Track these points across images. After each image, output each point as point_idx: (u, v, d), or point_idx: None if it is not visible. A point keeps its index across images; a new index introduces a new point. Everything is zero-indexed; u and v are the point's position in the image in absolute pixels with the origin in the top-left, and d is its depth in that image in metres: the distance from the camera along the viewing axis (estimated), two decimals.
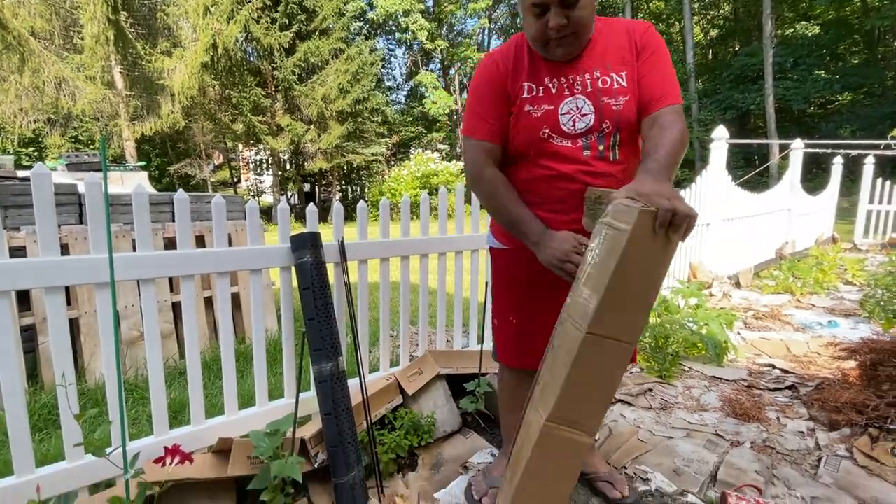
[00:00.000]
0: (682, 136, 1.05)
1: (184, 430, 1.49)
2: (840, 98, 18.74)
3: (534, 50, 1.17)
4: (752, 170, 6.67)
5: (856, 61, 18.91)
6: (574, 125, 1.15)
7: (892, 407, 1.78)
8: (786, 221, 5.83)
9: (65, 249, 2.23)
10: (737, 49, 22.17)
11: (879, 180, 7.04)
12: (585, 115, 1.14)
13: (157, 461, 1.18)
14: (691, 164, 17.88)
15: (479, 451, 1.73)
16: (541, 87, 1.16)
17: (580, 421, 0.94)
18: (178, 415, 1.94)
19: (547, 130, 1.16)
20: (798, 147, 6.06)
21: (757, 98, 17.90)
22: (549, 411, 0.94)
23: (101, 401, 2.03)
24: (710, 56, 24.34)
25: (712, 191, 4.09)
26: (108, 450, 1.12)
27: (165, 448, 1.18)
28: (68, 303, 2.35)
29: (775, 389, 2.25)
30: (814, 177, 14.28)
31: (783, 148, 6.79)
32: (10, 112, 10.66)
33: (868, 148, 7.09)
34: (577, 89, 1.15)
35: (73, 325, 2.32)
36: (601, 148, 1.15)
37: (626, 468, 1.62)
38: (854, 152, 7.18)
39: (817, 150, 7.04)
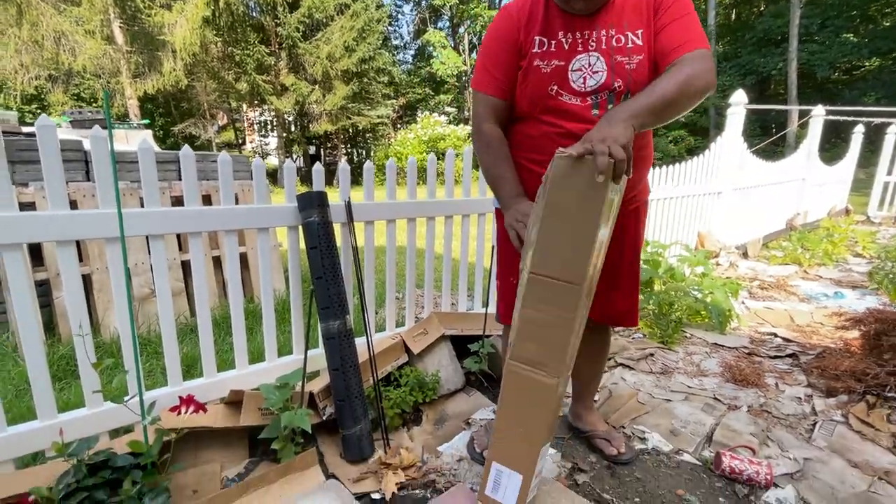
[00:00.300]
0: (693, 74, 0.98)
1: (197, 381, 1.54)
2: (867, 63, 17.88)
3: (550, 1, 1.12)
4: (768, 138, 6.46)
5: (887, 24, 17.89)
6: (584, 83, 1.11)
7: (891, 375, 1.80)
8: (799, 192, 5.71)
9: (73, 206, 2.24)
10: (762, 9, 21.01)
11: None
12: (597, 72, 1.10)
13: (172, 409, 1.23)
14: (705, 132, 17.40)
15: (482, 408, 1.78)
16: (553, 42, 1.12)
17: (541, 362, 0.99)
18: (191, 368, 2.00)
19: (555, 87, 1.12)
20: (819, 114, 5.85)
21: (779, 63, 17.12)
22: (511, 350, 1.01)
23: (117, 354, 2.10)
24: (734, 16, 23.12)
25: (726, 158, 3.99)
26: (126, 398, 1.17)
27: (180, 397, 1.23)
28: (80, 259, 2.38)
29: (776, 357, 2.27)
30: (832, 146, 13.87)
31: (803, 115, 6.56)
32: (10, 67, 10.48)
33: (892, 116, 6.83)
34: (592, 46, 1.10)
35: (86, 280, 2.36)
36: (611, 107, 1.12)
37: (624, 428, 1.67)
38: (877, 121, 6.93)
39: (839, 117, 6.79)
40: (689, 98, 1.00)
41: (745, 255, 4.50)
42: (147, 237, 1.37)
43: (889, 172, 6.97)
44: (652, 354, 2.27)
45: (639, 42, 1.08)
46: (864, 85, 17.47)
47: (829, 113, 6.00)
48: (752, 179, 4.47)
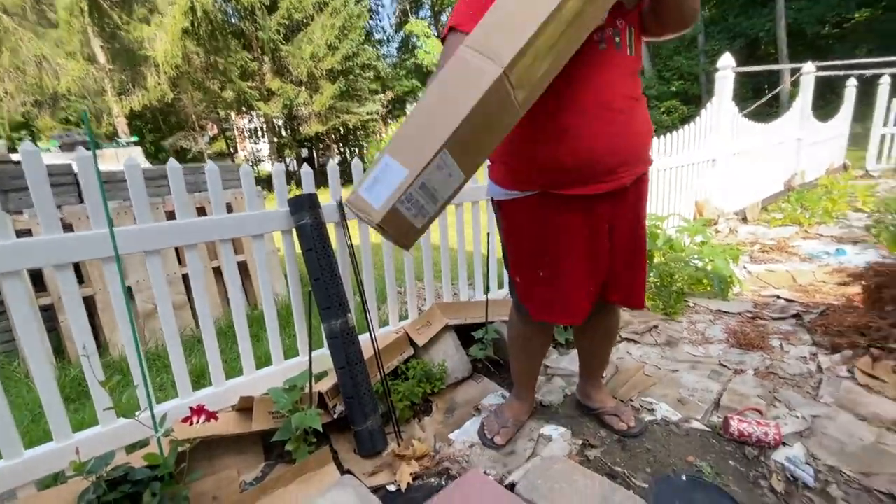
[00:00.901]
0: None
1: (206, 391, 1.56)
2: (857, 15, 17.57)
3: None
4: (761, 101, 6.38)
5: None
6: None
7: (894, 327, 1.80)
8: (795, 151, 5.67)
9: (69, 229, 2.25)
10: None
11: (895, 102, 6.75)
12: None
13: (184, 420, 1.24)
14: (697, 100, 17.20)
15: (490, 393, 1.80)
16: None
17: (498, 53, 0.83)
18: (201, 379, 2.03)
19: None
20: (809, 71, 5.78)
21: (767, 23, 16.85)
22: (468, 39, 0.88)
23: (127, 371, 2.12)
24: None
25: (717, 125, 3.96)
26: (138, 413, 1.18)
27: (191, 408, 1.24)
28: (81, 281, 2.40)
29: (779, 318, 2.28)
30: (826, 103, 13.67)
31: (794, 73, 6.48)
32: None
33: (883, 67, 6.74)
34: None
35: (90, 302, 2.38)
36: (617, 41, 1.08)
37: (632, 401, 1.68)
38: (868, 73, 6.84)
39: (830, 72, 6.71)
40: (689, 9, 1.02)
41: (744, 219, 4.49)
42: (145, 254, 1.38)
43: (885, 124, 6.90)
44: (656, 327, 2.28)
45: None
46: (855, 38, 17.18)
47: (819, 69, 5.93)
48: (746, 143, 4.44)
